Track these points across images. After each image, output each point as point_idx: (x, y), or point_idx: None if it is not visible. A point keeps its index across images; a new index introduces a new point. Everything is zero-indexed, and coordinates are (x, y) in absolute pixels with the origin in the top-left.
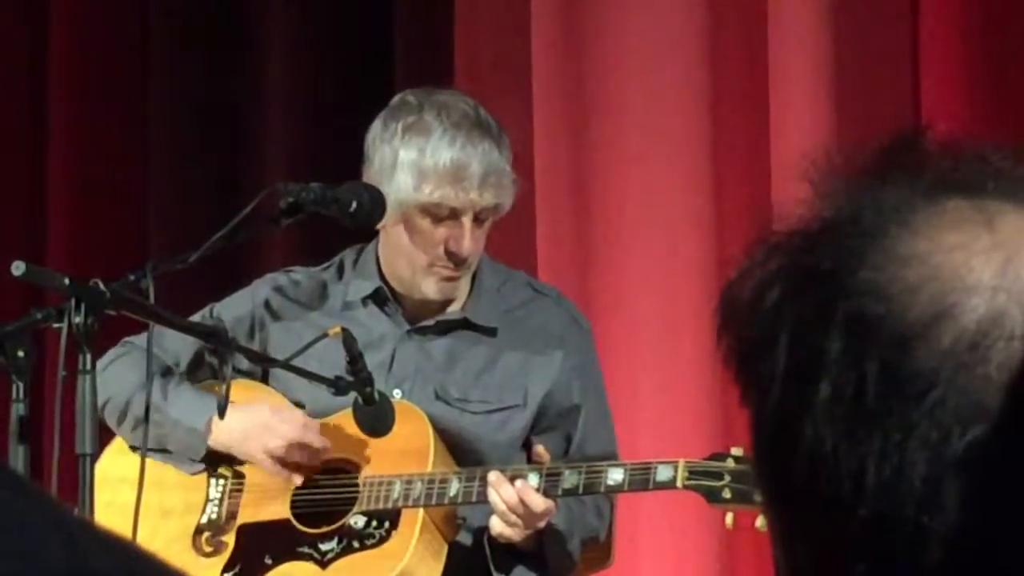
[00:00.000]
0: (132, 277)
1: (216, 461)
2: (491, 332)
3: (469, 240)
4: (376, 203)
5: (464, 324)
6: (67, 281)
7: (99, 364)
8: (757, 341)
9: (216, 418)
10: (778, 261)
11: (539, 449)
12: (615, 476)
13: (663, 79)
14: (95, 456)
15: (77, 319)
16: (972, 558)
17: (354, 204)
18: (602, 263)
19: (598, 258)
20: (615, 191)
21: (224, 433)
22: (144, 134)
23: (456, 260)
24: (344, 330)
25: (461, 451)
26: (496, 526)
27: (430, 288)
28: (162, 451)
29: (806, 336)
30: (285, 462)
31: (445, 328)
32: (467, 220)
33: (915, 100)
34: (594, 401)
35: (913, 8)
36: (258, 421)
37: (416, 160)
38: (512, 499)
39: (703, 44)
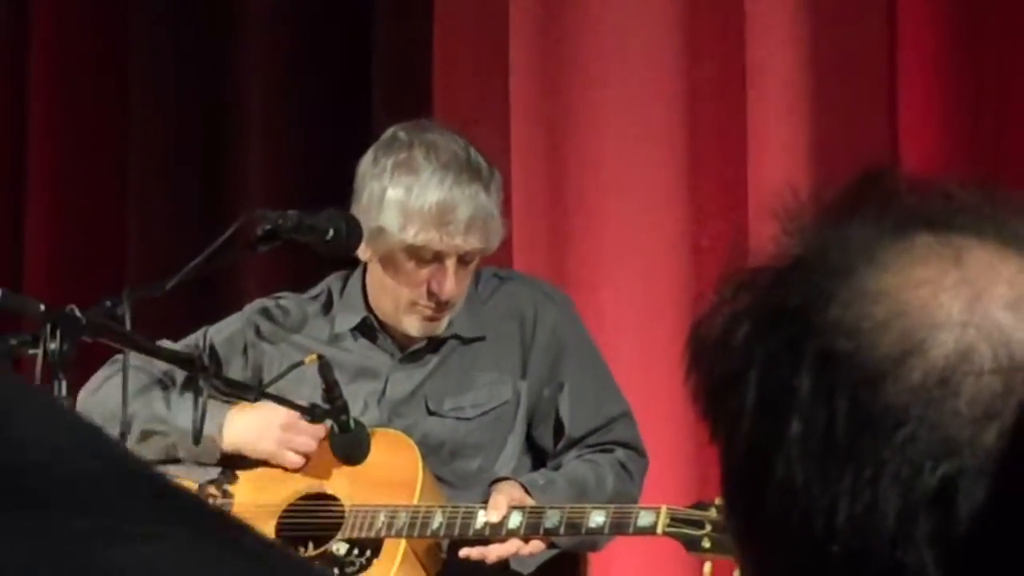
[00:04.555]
0: (108, 304)
1: (228, 456)
2: (480, 339)
3: (452, 283)
4: (353, 231)
5: (452, 337)
6: (42, 307)
7: (92, 383)
8: (726, 378)
9: (226, 420)
10: (747, 298)
11: (495, 499)
12: (596, 519)
13: (641, 105)
14: None
15: (52, 345)
16: None
17: (331, 232)
18: (580, 287)
19: (575, 281)
20: (593, 220)
21: (236, 435)
22: (123, 162)
23: (438, 302)
24: (320, 358)
25: (461, 459)
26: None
27: (412, 326)
28: (166, 461)
29: (776, 373)
30: (306, 457)
31: (436, 346)
32: (451, 263)
33: (892, 131)
34: (580, 370)
35: (891, 39)
36: (273, 421)
37: (403, 200)
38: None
39: (681, 73)
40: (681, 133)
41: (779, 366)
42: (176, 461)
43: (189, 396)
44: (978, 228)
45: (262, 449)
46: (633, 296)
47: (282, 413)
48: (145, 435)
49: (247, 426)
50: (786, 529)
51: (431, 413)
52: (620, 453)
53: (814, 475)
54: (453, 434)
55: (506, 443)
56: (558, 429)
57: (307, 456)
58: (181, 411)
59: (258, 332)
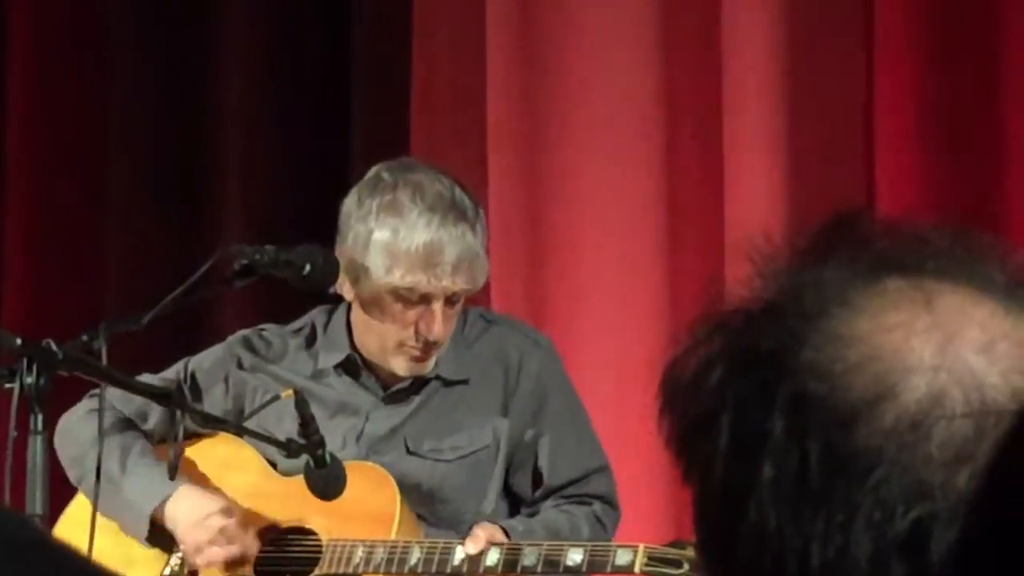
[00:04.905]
0: (85, 338)
1: (160, 533)
2: (463, 382)
3: (440, 324)
4: (329, 266)
5: (435, 379)
6: (19, 341)
7: (71, 416)
8: (699, 421)
9: (170, 499)
10: (720, 341)
11: (475, 534)
12: (574, 557)
13: (619, 137)
14: (45, 518)
15: (29, 379)
16: None
17: (307, 267)
18: (556, 316)
19: (551, 310)
20: (569, 248)
21: (175, 514)
22: (100, 196)
23: (426, 342)
24: (297, 393)
25: (438, 502)
26: None
27: (400, 366)
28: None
29: (749, 416)
30: (214, 565)
31: (419, 386)
32: (438, 305)
33: (868, 173)
34: (561, 420)
35: (868, 81)
36: (198, 522)
37: (389, 242)
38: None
39: (660, 109)
40: (659, 170)
41: (752, 409)
42: None
43: (146, 461)
44: (950, 272)
45: (187, 542)
46: (609, 325)
47: (215, 521)
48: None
49: (186, 511)
50: (759, 573)
51: (410, 453)
52: (596, 506)
53: (787, 518)
54: (431, 476)
55: (485, 488)
56: (536, 477)
57: (216, 563)
58: (131, 479)
59: (240, 363)
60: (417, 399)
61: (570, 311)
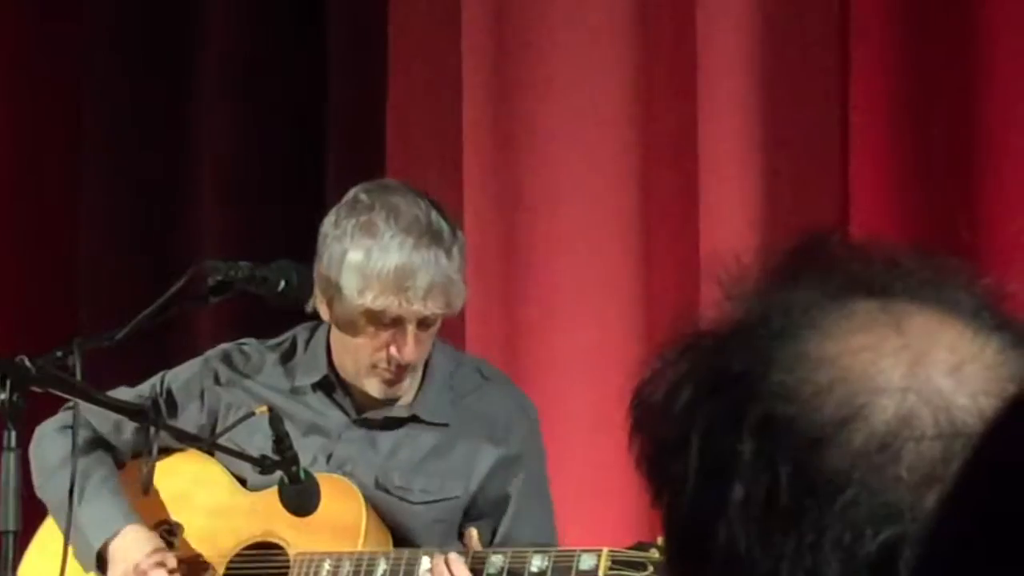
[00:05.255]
0: (59, 354)
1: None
2: (442, 426)
3: (412, 348)
4: (304, 283)
5: (412, 419)
6: None
7: (46, 427)
8: (669, 443)
9: (117, 536)
10: (689, 363)
11: (471, 532)
12: (538, 563)
13: (594, 159)
14: (18, 534)
15: (2, 396)
16: None
17: (282, 283)
18: (531, 335)
19: (526, 329)
20: (545, 268)
21: (115, 549)
22: (75, 212)
23: (398, 365)
24: (271, 410)
25: (398, 538)
26: None
27: (373, 388)
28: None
29: (718, 438)
30: None
31: (394, 424)
32: (411, 327)
33: (843, 196)
34: (528, 491)
35: (843, 95)
36: (127, 569)
37: (362, 264)
38: (439, 566)
39: (635, 130)
40: (635, 186)
41: (721, 431)
42: None
43: (107, 491)
44: (919, 294)
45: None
46: (585, 341)
47: (140, 558)
48: (56, 509)
49: (123, 550)
50: None
51: (378, 487)
52: None
53: (756, 540)
54: (396, 513)
55: (443, 533)
56: (491, 534)
57: None
58: (89, 508)
59: (216, 378)
60: (392, 435)
61: (545, 326)
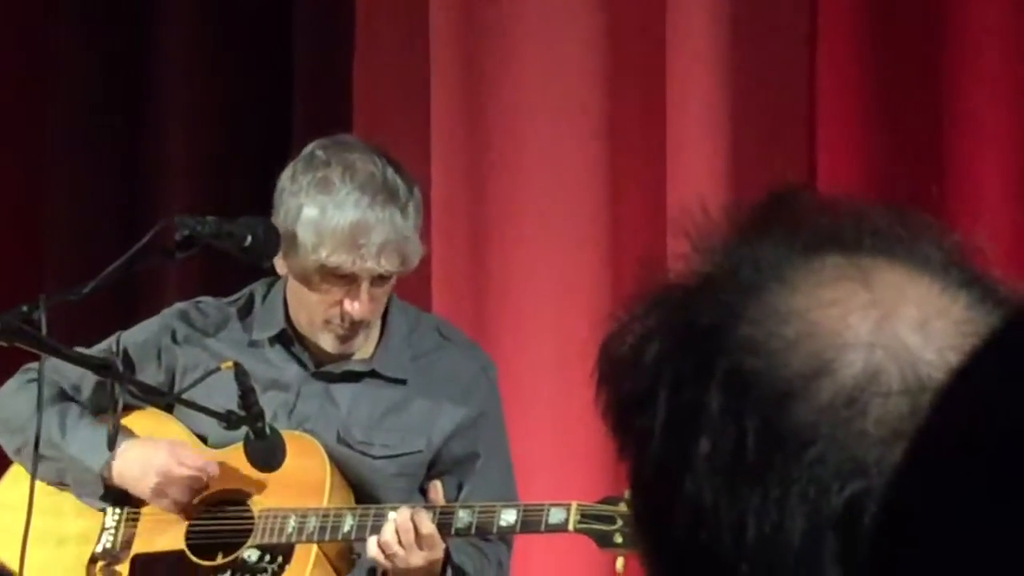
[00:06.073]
0: (25, 309)
1: (114, 489)
2: (400, 382)
3: (365, 304)
4: (270, 238)
5: (371, 374)
6: None
7: (6, 389)
8: (636, 396)
9: (117, 454)
10: (657, 316)
11: (435, 484)
12: (507, 517)
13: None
14: None
15: None
16: None
17: (248, 239)
18: (499, 297)
19: (495, 287)
20: (511, 223)
21: (123, 468)
22: (41, 166)
23: (352, 321)
24: (236, 364)
25: (361, 494)
26: (376, 555)
27: (327, 343)
28: (60, 483)
29: (685, 392)
30: (181, 506)
31: (352, 377)
32: (365, 284)
33: (810, 151)
34: (493, 451)
35: (811, 58)
36: (156, 464)
37: (317, 219)
38: (404, 519)
39: (602, 87)
40: (601, 149)
41: (689, 384)
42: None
43: (86, 423)
44: (888, 250)
45: (141, 489)
46: (552, 303)
47: (161, 456)
48: (38, 456)
49: (133, 463)
50: (695, 547)
51: (339, 441)
52: (502, 549)
53: (723, 494)
54: (359, 467)
55: (406, 488)
56: (456, 490)
57: (179, 503)
58: (74, 439)
59: (173, 336)
60: (351, 388)
61: (511, 288)
